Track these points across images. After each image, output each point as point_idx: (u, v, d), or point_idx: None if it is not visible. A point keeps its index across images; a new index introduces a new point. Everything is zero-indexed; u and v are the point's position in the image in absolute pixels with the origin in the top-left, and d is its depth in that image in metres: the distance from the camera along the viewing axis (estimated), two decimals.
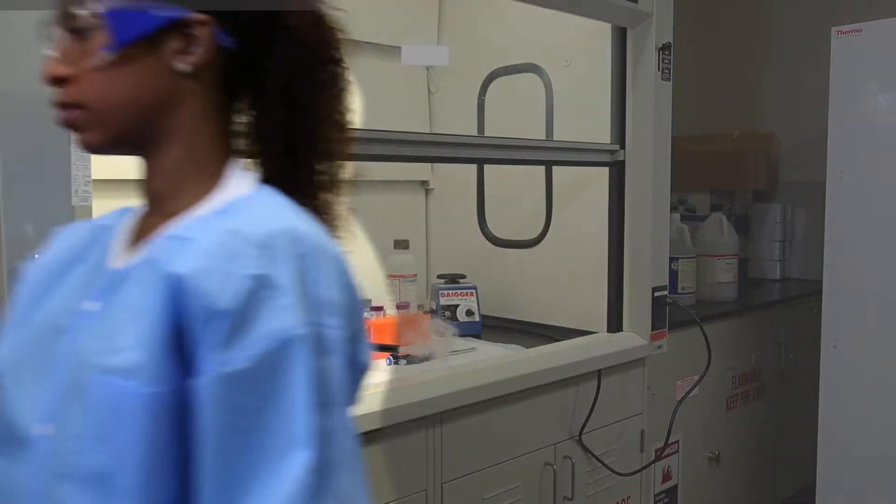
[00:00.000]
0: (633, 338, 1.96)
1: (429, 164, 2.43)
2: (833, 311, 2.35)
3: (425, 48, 2.37)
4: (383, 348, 1.68)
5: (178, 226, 0.69)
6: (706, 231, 2.82)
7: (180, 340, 0.63)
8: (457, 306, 2.04)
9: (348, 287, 0.69)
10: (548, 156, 1.92)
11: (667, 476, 2.36)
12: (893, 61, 2.22)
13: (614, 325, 1.97)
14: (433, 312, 2.02)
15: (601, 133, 1.95)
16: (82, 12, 0.68)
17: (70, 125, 0.70)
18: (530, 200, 2.15)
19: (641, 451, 2.03)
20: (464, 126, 2.25)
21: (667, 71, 1.92)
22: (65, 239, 0.78)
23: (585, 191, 2.05)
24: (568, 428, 1.83)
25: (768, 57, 3.42)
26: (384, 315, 1.96)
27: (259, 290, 0.62)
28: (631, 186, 1.95)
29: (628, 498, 2.01)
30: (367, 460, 1.43)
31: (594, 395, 1.86)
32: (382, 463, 1.45)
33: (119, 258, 0.73)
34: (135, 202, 0.75)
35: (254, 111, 0.75)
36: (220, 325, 0.61)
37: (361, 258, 2.19)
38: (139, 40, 0.68)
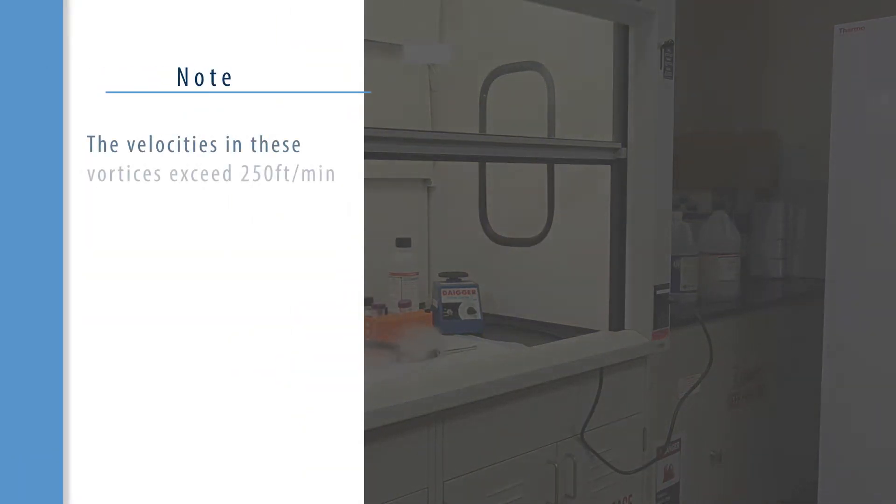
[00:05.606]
0: (635, 336, 1.95)
1: (430, 162, 2.43)
2: (835, 309, 2.34)
3: (427, 46, 2.37)
4: (384, 346, 1.68)
5: None
6: (708, 229, 2.82)
7: None
8: (458, 304, 2.04)
9: None
10: (550, 154, 1.92)
11: (668, 474, 2.36)
12: None
13: (616, 323, 1.97)
14: (434, 310, 2.02)
15: (603, 131, 1.94)
16: None
17: None
18: (532, 198, 2.15)
19: (643, 449, 2.03)
20: (465, 124, 2.25)
21: (669, 69, 1.92)
22: None
23: (587, 189, 2.04)
24: (570, 426, 1.83)
25: (771, 55, 3.41)
26: (386, 313, 1.96)
27: None
28: (633, 184, 1.94)
29: (630, 496, 2.01)
30: (368, 458, 1.43)
31: (596, 394, 1.85)
32: (383, 461, 1.45)
33: None
34: None
35: None
36: None
37: (363, 256, 2.18)
38: None
